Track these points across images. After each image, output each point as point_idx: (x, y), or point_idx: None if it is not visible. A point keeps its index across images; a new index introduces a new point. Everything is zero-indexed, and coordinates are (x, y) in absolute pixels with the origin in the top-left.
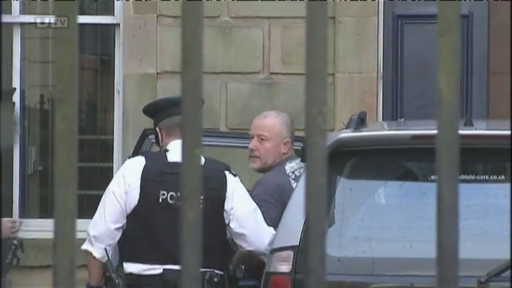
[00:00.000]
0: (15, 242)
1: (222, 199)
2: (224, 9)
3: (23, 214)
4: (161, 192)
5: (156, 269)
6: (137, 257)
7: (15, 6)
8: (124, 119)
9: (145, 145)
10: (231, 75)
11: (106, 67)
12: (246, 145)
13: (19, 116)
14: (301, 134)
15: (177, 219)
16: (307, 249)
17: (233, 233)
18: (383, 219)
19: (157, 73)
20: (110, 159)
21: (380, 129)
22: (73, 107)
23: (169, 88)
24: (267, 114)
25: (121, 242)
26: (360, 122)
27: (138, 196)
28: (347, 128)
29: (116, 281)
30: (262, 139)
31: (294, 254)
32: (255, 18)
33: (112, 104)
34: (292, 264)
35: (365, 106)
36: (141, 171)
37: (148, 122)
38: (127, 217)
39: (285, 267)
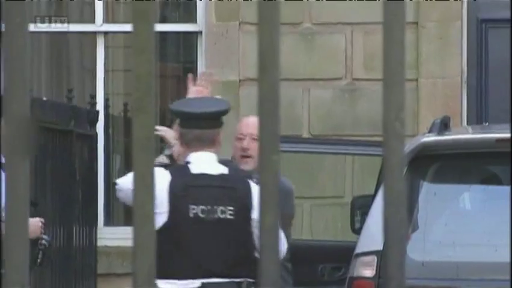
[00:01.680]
0: (44, 241)
1: (248, 208)
2: (306, 15)
3: (108, 222)
4: (191, 206)
5: (195, 283)
6: (171, 273)
7: (99, 15)
8: None
9: None
10: (314, 82)
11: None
12: (333, 151)
13: (103, 124)
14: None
15: (210, 232)
16: (387, 255)
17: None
18: (467, 224)
19: (240, 80)
20: None
21: (463, 133)
22: (150, 115)
23: (252, 95)
24: (254, 116)
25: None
26: (444, 126)
27: (168, 213)
28: (429, 132)
29: None
30: (254, 138)
31: (377, 259)
32: (337, 24)
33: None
34: (376, 269)
35: (448, 111)
36: (168, 186)
37: (231, 129)
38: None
39: (368, 272)
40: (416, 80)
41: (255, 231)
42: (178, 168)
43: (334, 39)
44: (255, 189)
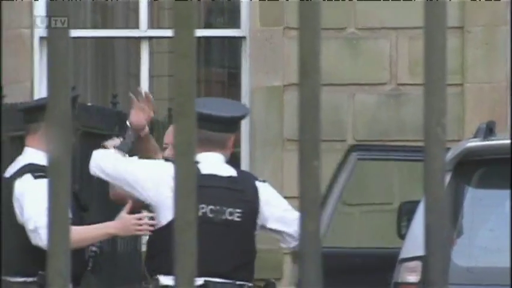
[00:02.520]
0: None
1: (256, 211)
2: (351, 20)
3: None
4: (201, 206)
5: (198, 281)
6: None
7: (143, 20)
8: (251, 132)
9: (348, 164)
10: (358, 87)
11: (233, 80)
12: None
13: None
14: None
15: (218, 232)
16: (428, 261)
17: (276, 233)
18: None
19: (284, 85)
20: None
21: (509, 138)
22: (191, 120)
23: (296, 100)
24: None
25: (156, 255)
26: (489, 131)
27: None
28: (475, 137)
29: None
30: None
31: (422, 264)
32: (382, 29)
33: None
34: (420, 274)
35: (494, 116)
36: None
37: (275, 135)
38: (162, 229)
39: (413, 278)
40: (462, 85)
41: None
42: None
43: (379, 44)
44: (261, 189)
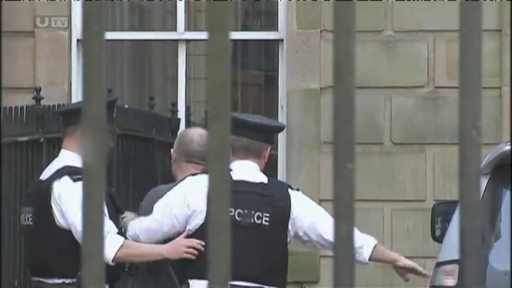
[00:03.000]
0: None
1: (286, 217)
2: (388, 23)
3: None
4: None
5: None
6: (204, 274)
7: (180, 23)
8: (288, 134)
9: None
10: (396, 90)
11: (270, 83)
12: None
13: None
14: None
15: (244, 236)
16: (463, 264)
17: (312, 241)
18: None
19: (321, 88)
20: (275, 174)
21: None
22: (225, 123)
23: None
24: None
25: (185, 259)
26: None
27: (205, 214)
28: None
29: None
30: None
31: (459, 268)
32: (419, 32)
33: (276, 119)
34: (458, 278)
35: None
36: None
37: (312, 138)
38: (191, 235)
39: (450, 281)
40: (499, 88)
41: (301, 234)
42: None
43: (416, 47)
44: (294, 196)
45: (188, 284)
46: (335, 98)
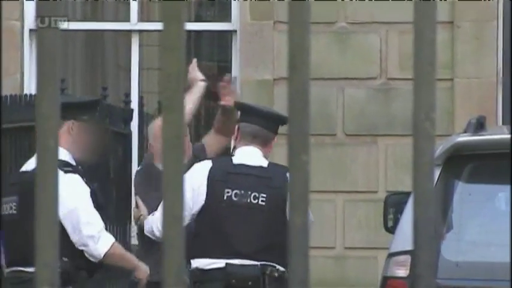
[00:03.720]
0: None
1: (284, 199)
2: (341, 15)
3: None
4: (226, 190)
5: (219, 263)
6: (203, 252)
7: (134, 14)
8: None
9: None
10: (348, 81)
11: (224, 73)
12: None
13: (137, 123)
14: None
15: (241, 215)
16: (416, 254)
17: None
18: (502, 224)
19: (274, 79)
20: None
21: (499, 133)
22: (179, 114)
23: (286, 94)
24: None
25: (189, 240)
26: (479, 125)
27: (205, 195)
28: (465, 132)
29: None
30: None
31: (411, 259)
32: (372, 24)
33: None
34: (410, 269)
35: (483, 111)
36: (207, 172)
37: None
38: (197, 215)
39: (402, 272)
40: (452, 79)
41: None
42: (221, 159)
43: (369, 39)
44: None
45: (190, 263)
46: (289, 89)
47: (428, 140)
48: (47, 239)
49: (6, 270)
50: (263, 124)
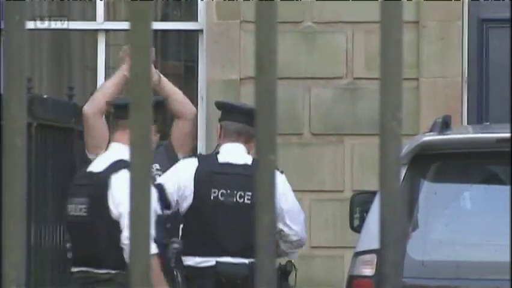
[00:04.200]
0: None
1: None
2: (307, 14)
3: None
4: (213, 190)
5: (210, 261)
6: (193, 250)
7: (100, 13)
8: (208, 125)
9: None
10: (314, 81)
11: (190, 73)
12: None
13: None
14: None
15: (228, 214)
16: (382, 254)
17: (285, 227)
18: (468, 223)
19: (241, 79)
20: None
21: (464, 132)
22: (147, 113)
23: (253, 94)
24: None
25: (181, 237)
26: (445, 125)
27: (192, 195)
28: (431, 131)
29: (175, 273)
30: None
31: (377, 257)
32: (338, 23)
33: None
34: (376, 268)
35: (449, 111)
36: (194, 172)
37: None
38: (184, 215)
39: (368, 271)
40: (417, 79)
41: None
42: (207, 157)
43: (335, 38)
44: (278, 179)
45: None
46: (256, 89)
47: (394, 139)
48: (14, 239)
49: (74, 270)
50: (246, 121)
